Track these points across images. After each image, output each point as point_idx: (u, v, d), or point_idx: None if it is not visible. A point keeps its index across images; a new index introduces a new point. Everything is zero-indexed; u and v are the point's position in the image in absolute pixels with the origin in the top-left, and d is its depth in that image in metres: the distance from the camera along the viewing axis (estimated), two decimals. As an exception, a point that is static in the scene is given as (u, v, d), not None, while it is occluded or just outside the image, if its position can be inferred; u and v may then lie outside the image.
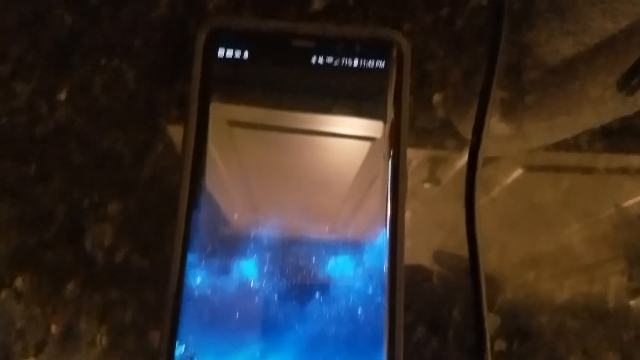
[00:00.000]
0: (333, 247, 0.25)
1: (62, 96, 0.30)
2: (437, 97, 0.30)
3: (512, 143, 0.30)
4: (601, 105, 0.30)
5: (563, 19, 0.31)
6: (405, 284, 0.24)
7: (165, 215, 0.28)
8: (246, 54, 0.27)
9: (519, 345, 0.27)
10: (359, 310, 0.24)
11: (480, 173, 0.28)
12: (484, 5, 0.31)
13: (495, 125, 0.30)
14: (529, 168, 0.29)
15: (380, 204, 0.25)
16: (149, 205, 0.28)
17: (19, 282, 0.27)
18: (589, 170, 0.29)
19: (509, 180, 0.29)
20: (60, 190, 0.28)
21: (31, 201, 0.28)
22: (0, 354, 0.27)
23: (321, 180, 0.26)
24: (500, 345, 0.27)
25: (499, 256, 0.28)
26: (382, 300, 0.24)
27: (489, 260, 0.28)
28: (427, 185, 0.29)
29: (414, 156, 0.29)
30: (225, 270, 0.25)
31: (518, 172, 0.29)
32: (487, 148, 0.29)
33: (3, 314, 0.27)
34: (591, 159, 0.29)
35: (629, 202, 0.29)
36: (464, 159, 0.29)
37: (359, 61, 0.27)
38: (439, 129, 0.30)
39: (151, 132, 0.29)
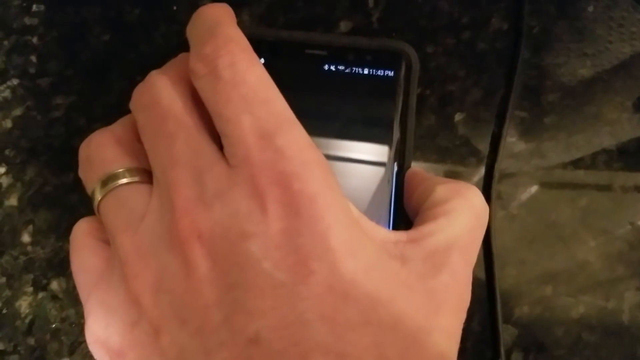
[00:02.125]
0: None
1: (99, 110, 0.32)
2: (458, 117, 0.32)
3: (529, 161, 0.31)
4: (618, 126, 0.32)
5: (581, 43, 0.33)
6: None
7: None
8: (262, 61, 0.29)
9: (535, 357, 0.28)
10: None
11: (497, 188, 0.30)
12: (504, 29, 0.33)
13: (514, 143, 0.31)
14: (546, 185, 0.31)
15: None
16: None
17: (54, 285, 0.29)
18: (605, 189, 0.31)
19: (526, 196, 0.31)
20: (96, 198, 0.30)
21: (68, 208, 0.30)
22: (36, 353, 0.29)
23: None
24: (517, 357, 0.29)
25: (517, 271, 0.30)
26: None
27: (507, 275, 0.29)
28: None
29: (434, 171, 0.31)
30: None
31: (535, 189, 0.31)
32: (505, 165, 0.30)
33: (39, 315, 0.29)
34: (607, 177, 0.31)
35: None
36: (481, 174, 0.31)
37: (368, 70, 0.29)
38: (459, 146, 0.31)
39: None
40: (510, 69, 0.32)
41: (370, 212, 0.27)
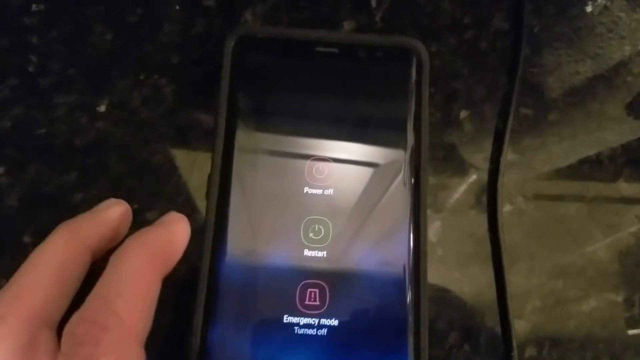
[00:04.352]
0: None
1: (102, 109, 0.31)
2: (463, 114, 0.32)
3: (535, 156, 0.32)
4: (621, 121, 0.32)
5: (581, 42, 0.33)
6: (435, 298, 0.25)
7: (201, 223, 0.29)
8: (272, 60, 0.29)
9: (549, 352, 0.29)
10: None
11: (503, 182, 0.30)
12: (505, 29, 0.34)
13: (519, 139, 0.32)
14: (553, 180, 0.31)
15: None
16: (188, 212, 0.30)
17: (57, 287, 0.29)
18: (610, 183, 0.32)
19: (533, 191, 0.31)
20: (100, 198, 0.30)
21: (70, 208, 0.30)
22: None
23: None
24: (531, 351, 0.29)
25: (527, 266, 0.30)
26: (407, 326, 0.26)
27: (518, 270, 0.30)
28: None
29: (443, 167, 0.31)
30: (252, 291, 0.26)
31: (542, 184, 0.31)
32: (511, 159, 0.31)
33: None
34: (612, 172, 0.32)
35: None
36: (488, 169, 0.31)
37: (379, 67, 0.29)
38: (466, 142, 0.32)
39: (189, 144, 0.31)
40: (512, 67, 0.33)
41: (386, 213, 0.27)
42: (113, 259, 0.21)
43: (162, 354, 0.29)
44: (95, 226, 0.25)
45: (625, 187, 0.32)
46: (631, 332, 0.29)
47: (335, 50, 0.29)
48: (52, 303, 0.22)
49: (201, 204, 0.30)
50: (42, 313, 0.22)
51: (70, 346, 0.19)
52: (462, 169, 0.32)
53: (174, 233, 0.23)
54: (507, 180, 0.31)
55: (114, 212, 0.26)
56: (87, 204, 0.30)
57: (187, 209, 0.30)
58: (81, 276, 0.24)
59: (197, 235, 0.29)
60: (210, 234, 0.27)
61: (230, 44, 0.29)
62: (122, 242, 0.23)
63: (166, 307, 0.29)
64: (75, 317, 0.19)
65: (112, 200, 0.26)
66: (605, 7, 0.34)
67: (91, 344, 0.18)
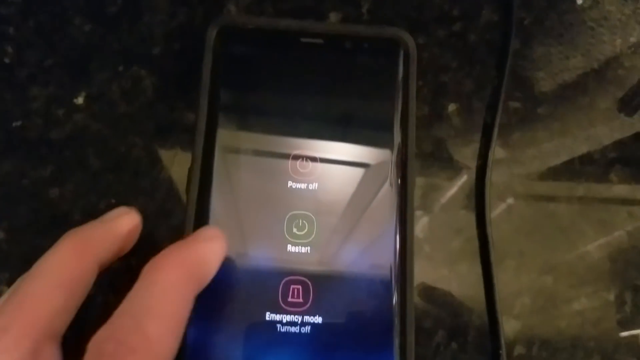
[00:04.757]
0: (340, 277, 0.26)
1: (80, 101, 0.31)
2: (451, 107, 0.31)
3: (525, 150, 0.31)
4: (611, 115, 0.32)
5: (573, 35, 0.33)
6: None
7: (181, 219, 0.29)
8: (255, 51, 0.28)
9: (538, 350, 0.28)
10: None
11: (492, 178, 0.29)
12: (495, 21, 0.33)
13: (508, 132, 0.31)
14: (542, 175, 0.31)
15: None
16: (167, 207, 0.29)
17: (32, 284, 0.28)
18: (601, 179, 0.31)
19: (523, 187, 0.30)
20: (77, 192, 0.29)
21: (47, 203, 0.29)
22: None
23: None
24: (520, 350, 0.28)
25: (516, 262, 0.29)
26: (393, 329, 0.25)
27: (506, 267, 0.29)
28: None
29: (429, 163, 0.31)
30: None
31: (531, 179, 0.31)
32: (500, 154, 0.30)
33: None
34: (603, 167, 0.31)
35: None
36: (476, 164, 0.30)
37: (366, 59, 0.28)
38: (454, 137, 0.31)
39: (168, 137, 0.30)
40: (501, 60, 0.32)
41: (372, 209, 0.27)
42: (146, 273, 0.20)
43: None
44: (104, 237, 0.24)
45: (616, 185, 0.31)
46: (623, 334, 0.29)
47: (321, 41, 0.29)
48: (57, 315, 0.21)
49: (181, 199, 0.29)
50: (47, 325, 0.21)
51: None
52: (449, 165, 0.31)
53: (210, 251, 0.22)
54: (495, 176, 0.30)
55: (125, 223, 0.24)
56: (63, 199, 0.29)
57: (167, 204, 0.29)
58: (87, 288, 0.23)
59: (176, 231, 0.28)
60: (190, 230, 0.26)
61: (212, 34, 0.28)
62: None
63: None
64: (104, 333, 0.19)
65: (122, 208, 0.25)
66: (596, 1, 0.34)
67: None
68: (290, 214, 0.26)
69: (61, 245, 0.22)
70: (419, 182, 0.30)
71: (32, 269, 0.22)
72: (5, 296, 0.22)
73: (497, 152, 0.31)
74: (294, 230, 0.26)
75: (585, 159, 0.32)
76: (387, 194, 0.27)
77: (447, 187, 0.31)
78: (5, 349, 0.20)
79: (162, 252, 0.21)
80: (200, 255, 0.21)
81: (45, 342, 0.21)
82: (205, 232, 0.23)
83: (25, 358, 0.20)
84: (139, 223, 0.25)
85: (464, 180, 0.31)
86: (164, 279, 0.20)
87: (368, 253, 0.26)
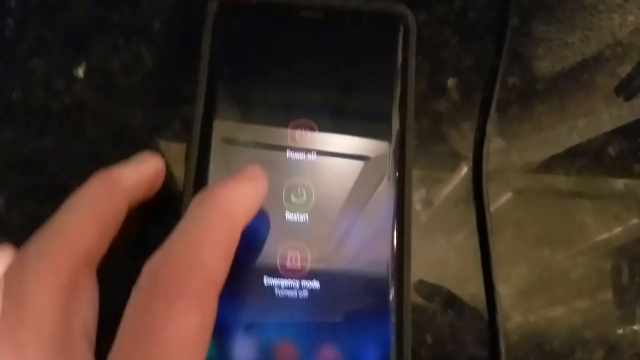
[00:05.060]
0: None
1: (80, 73, 0.31)
2: (450, 82, 0.32)
3: (522, 124, 0.31)
4: (610, 91, 0.32)
5: (571, 13, 0.33)
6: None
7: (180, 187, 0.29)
8: (255, 25, 0.28)
9: (536, 318, 0.28)
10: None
11: (489, 148, 0.30)
12: (494, -1, 0.33)
13: (507, 107, 0.31)
14: (541, 149, 0.31)
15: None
16: (166, 176, 0.29)
17: (31, 251, 0.28)
18: (599, 152, 0.31)
19: (521, 159, 0.31)
20: (76, 162, 0.29)
21: (46, 172, 0.29)
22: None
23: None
24: (517, 318, 0.28)
25: (513, 234, 0.29)
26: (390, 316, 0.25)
27: (503, 238, 0.29)
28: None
29: (429, 137, 0.31)
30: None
31: (529, 152, 0.31)
32: (498, 128, 0.30)
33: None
34: (601, 141, 0.31)
35: (638, 183, 0.31)
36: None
37: (365, 34, 0.28)
38: (452, 111, 0.31)
39: (168, 110, 0.30)
40: (499, 36, 0.32)
41: (370, 179, 0.27)
42: (196, 205, 0.21)
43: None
44: (134, 177, 0.25)
45: (612, 155, 0.31)
46: (620, 331, 0.29)
47: (321, 15, 0.29)
48: (93, 247, 0.22)
49: (179, 170, 0.29)
50: (84, 255, 0.22)
51: (153, 282, 0.18)
52: (449, 136, 0.31)
53: (255, 189, 0.22)
54: (493, 147, 0.30)
55: (152, 164, 0.26)
56: (63, 168, 0.29)
57: (166, 174, 0.29)
58: (118, 225, 0.24)
59: (176, 201, 0.28)
60: (188, 199, 0.26)
61: (212, 8, 0.28)
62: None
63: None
64: (160, 258, 0.19)
65: (148, 152, 0.27)
66: (594, -22, 0.34)
67: (175, 285, 0.18)
68: (288, 182, 0.27)
69: (93, 182, 0.23)
70: (415, 154, 0.30)
71: (65, 204, 0.23)
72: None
73: (494, 127, 0.31)
74: (293, 198, 0.26)
75: (583, 131, 0.32)
76: (384, 164, 0.27)
77: (444, 156, 0.31)
78: (45, 273, 0.20)
79: (214, 185, 0.21)
80: (246, 192, 0.22)
81: (82, 270, 0.21)
82: (250, 170, 0.23)
83: (65, 283, 0.21)
84: (164, 167, 0.26)
85: (461, 153, 0.31)
86: (215, 211, 0.20)
87: (366, 220, 0.26)
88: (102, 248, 0.23)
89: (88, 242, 0.22)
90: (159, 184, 0.26)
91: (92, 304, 0.22)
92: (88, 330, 0.22)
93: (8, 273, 0.21)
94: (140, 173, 0.25)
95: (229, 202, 0.21)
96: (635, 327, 0.29)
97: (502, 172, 0.31)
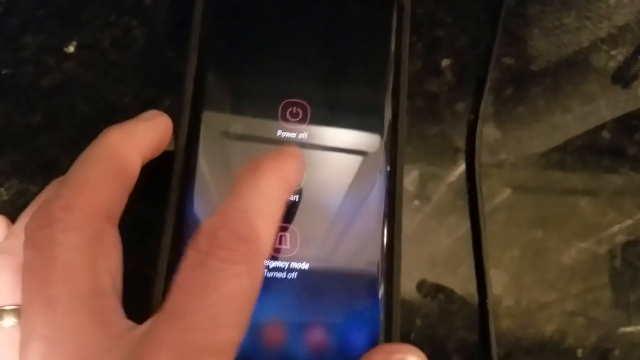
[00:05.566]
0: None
1: (71, 50, 0.30)
2: (445, 62, 0.31)
3: (517, 106, 0.31)
4: (604, 73, 0.32)
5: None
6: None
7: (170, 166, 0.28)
8: (247, 3, 0.28)
9: (527, 302, 0.28)
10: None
11: (483, 130, 0.29)
12: (490, -21, 0.33)
13: (502, 88, 0.31)
14: (535, 130, 0.30)
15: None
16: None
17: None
18: (594, 134, 0.31)
19: (515, 141, 0.30)
20: (66, 139, 0.29)
21: (36, 149, 0.29)
22: None
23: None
24: (508, 301, 0.28)
25: (506, 216, 0.29)
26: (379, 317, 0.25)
27: (496, 220, 0.29)
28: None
29: (422, 118, 0.30)
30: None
31: (524, 133, 0.30)
32: (492, 110, 0.30)
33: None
34: (595, 122, 0.31)
35: (633, 166, 0.30)
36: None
37: (360, 11, 0.28)
38: (447, 92, 0.31)
39: (159, 87, 0.30)
40: (495, 17, 0.32)
41: (361, 158, 0.26)
42: (248, 176, 0.21)
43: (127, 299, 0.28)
44: (145, 132, 0.25)
45: (608, 138, 0.31)
46: (613, 315, 0.29)
47: None
48: (114, 201, 0.22)
49: (169, 147, 0.29)
50: (106, 209, 0.22)
51: (209, 246, 0.19)
52: (443, 118, 0.31)
53: (297, 165, 0.23)
54: (486, 129, 0.30)
55: (161, 122, 0.26)
56: (53, 145, 0.29)
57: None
58: (134, 180, 0.24)
59: (164, 180, 0.28)
60: (177, 176, 0.26)
61: None
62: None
63: (132, 250, 0.28)
64: (216, 221, 0.19)
65: (154, 111, 0.26)
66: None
67: (231, 250, 0.19)
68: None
69: (106, 137, 0.23)
70: (407, 136, 0.30)
71: (80, 158, 0.22)
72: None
73: (488, 109, 0.30)
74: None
75: (577, 110, 0.31)
76: (377, 143, 0.26)
77: (437, 136, 0.31)
78: (71, 227, 0.20)
79: (264, 158, 0.21)
80: (291, 167, 0.22)
81: (105, 223, 0.22)
82: (291, 149, 0.23)
83: (91, 237, 0.21)
84: (171, 125, 0.26)
85: (455, 133, 0.30)
86: (266, 182, 0.21)
87: (357, 201, 0.26)
88: (122, 203, 0.23)
89: (109, 197, 0.22)
90: (166, 142, 0.26)
91: (117, 259, 0.22)
92: (116, 284, 0.22)
93: (33, 226, 0.21)
94: (151, 129, 0.25)
95: (277, 177, 0.21)
96: (627, 312, 0.29)
97: (495, 153, 0.30)
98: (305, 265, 0.25)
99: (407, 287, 0.28)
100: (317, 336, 0.24)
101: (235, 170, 0.26)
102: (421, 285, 0.28)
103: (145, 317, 0.20)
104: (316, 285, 0.25)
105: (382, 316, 0.25)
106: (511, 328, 0.28)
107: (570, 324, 0.29)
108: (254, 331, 0.24)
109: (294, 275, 0.25)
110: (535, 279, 0.29)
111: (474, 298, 0.28)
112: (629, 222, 0.30)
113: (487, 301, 0.27)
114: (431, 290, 0.28)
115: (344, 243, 0.26)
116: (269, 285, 0.25)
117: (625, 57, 0.32)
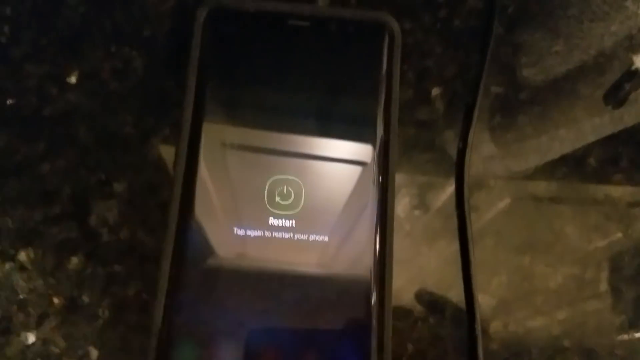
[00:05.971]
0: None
1: (72, 80, 0.31)
2: (435, 91, 0.32)
3: (505, 134, 0.32)
4: (593, 101, 0.32)
5: (555, 21, 0.33)
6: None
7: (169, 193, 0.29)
8: (243, 32, 0.29)
9: (515, 326, 0.28)
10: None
11: (471, 157, 0.30)
12: (479, 8, 0.33)
13: (490, 116, 0.32)
14: (521, 157, 0.31)
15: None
16: (156, 183, 0.29)
17: (22, 256, 0.29)
18: (580, 162, 0.31)
19: (502, 169, 0.31)
20: (68, 168, 0.30)
21: (38, 178, 0.30)
22: (1, 325, 0.28)
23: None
24: (497, 325, 0.28)
25: (494, 241, 0.30)
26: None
27: (484, 245, 0.29)
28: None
29: (414, 144, 0.31)
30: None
31: (509, 161, 0.31)
32: (480, 138, 0.31)
33: (6, 286, 0.28)
34: (582, 150, 0.32)
35: (618, 192, 0.31)
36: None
37: (351, 42, 0.29)
38: (437, 120, 0.31)
39: (158, 116, 0.30)
40: (484, 45, 0.32)
41: (354, 186, 0.27)
42: None
43: (128, 326, 0.28)
44: None
45: (594, 165, 0.32)
46: (599, 340, 0.29)
47: (307, 24, 0.29)
48: None
49: (169, 174, 0.30)
50: None
51: None
52: (433, 145, 0.31)
53: None
54: (474, 156, 0.31)
55: None
56: (54, 174, 0.30)
57: (155, 180, 0.30)
58: None
59: (163, 208, 0.29)
60: (176, 204, 0.27)
61: (201, 15, 0.29)
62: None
63: (131, 277, 0.29)
64: None
65: None
66: (580, -12, 0.34)
67: None
68: (274, 184, 0.27)
69: None
70: (398, 163, 0.30)
71: None
72: None
73: (478, 135, 0.31)
74: (278, 199, 0.27)
75: (565, 140, 0.32)
76: (369, 169, 0.27)
77: (428, 166, 0.31)
78: None
79: None
80: None
81: None
82: None
83: None
84: None
85: (444, 161, 0.31)
86: None
87: (349, 224, 0.27)
88: None
89: None
90: None
91: None
92: None
93: None
94: None
95: None
96: (613, 336, 0.29)
97: (485, 180, 0.31)
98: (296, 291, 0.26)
99: (400, 310, 0.29)
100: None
101: (233, 196, 0.27)
102: (412, 309, 0.29)
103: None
104: (307, 309, 0.26)
105: (374, 343, 0.25)
106: (499, 352, 0.29)
107: (556, 348, 0.29)
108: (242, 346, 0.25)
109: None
110: (523, 303, 0.29)
111: (464, 322, 0.29)
112: (614, 247, 0.31)
113: (476, 326, 0.28)
114: (422, 314, 0.29)
115: (336, 263, 0.26)
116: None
117: (612, 83, 0.33)
